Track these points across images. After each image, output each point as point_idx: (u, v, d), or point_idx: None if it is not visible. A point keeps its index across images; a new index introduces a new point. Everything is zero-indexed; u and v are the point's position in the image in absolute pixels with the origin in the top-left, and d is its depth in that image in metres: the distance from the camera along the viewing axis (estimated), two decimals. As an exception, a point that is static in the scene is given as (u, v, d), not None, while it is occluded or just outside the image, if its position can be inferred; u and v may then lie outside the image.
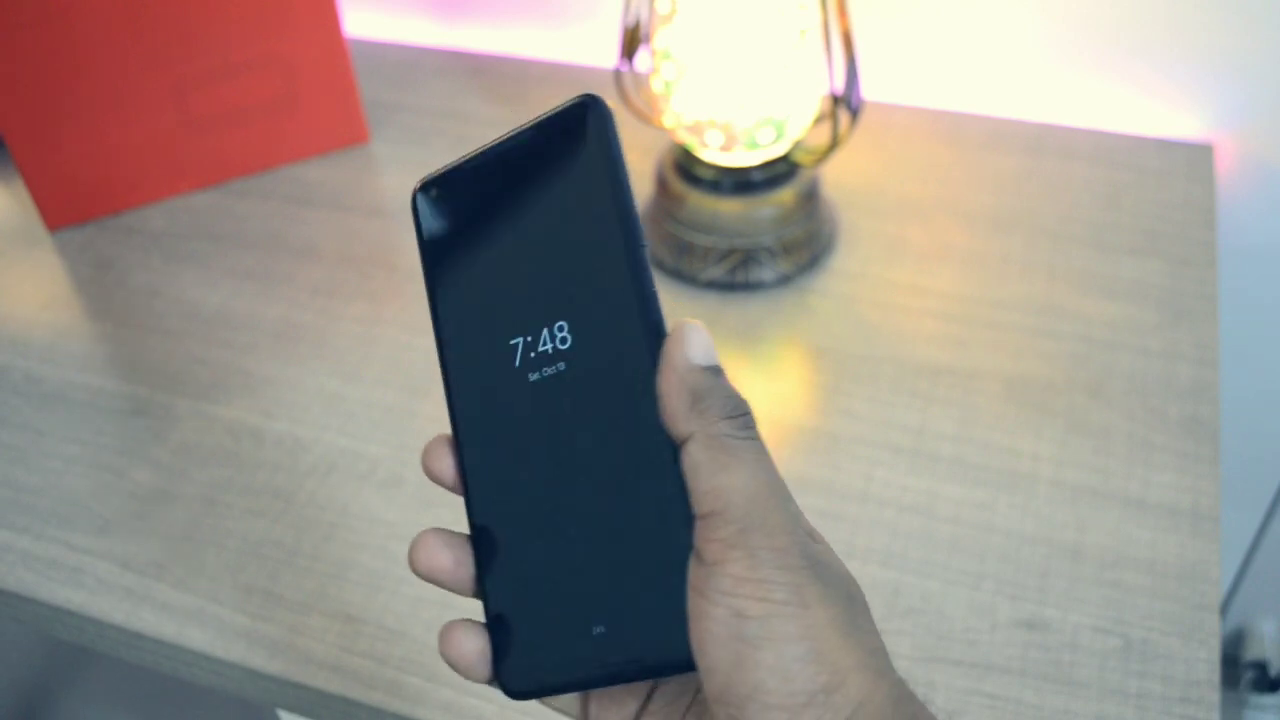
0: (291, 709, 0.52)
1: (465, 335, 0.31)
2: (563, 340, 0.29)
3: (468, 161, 0.32)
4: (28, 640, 1.23)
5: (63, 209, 0.77)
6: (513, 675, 0.29)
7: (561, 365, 0.29)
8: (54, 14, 0.69)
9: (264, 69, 0.77)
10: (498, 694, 0.49)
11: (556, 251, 0.30)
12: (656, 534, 0.28)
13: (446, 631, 0.29)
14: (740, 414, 0.27)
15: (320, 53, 0.78)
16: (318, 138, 0.81)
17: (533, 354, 0.30)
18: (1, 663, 1.20)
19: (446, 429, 0.60)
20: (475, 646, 0.29)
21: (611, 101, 0.81)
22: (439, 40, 0.93)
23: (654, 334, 0.28)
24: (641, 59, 0.67)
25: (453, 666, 0.30)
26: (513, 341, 0.30)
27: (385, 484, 0.58)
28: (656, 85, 0.65)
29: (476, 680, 0.30)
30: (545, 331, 0.30)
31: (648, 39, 0.65)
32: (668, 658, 0.27)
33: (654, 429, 0.28)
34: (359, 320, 0.68)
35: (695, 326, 0.27)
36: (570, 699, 0.30)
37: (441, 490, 0.57)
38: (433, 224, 0.32)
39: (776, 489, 0.26)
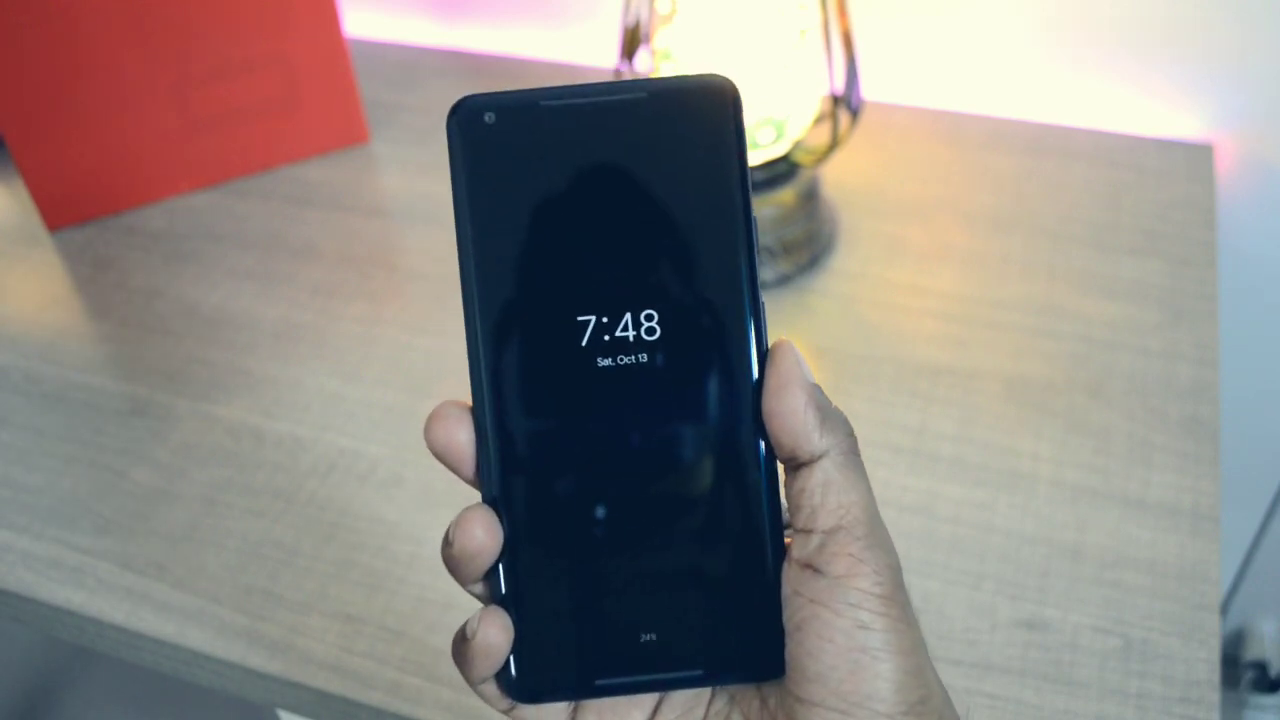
0: (291, 709, 0.52)
1: (517, 300, 0.27)
2: (649, 330, 0.27)
3: (548, 96, 0.27)
4: (28, 640, 1.23)
5: (63, 209, 0.77)
6: (530, 675, 0.28)
7: (643, 356, 0.27)
8: (54, 14, 0.69)
9: (264, 69, 0.77)
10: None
11: (659, 234, 0.27)
12: (739, 544, 0.27)
13: (486, 616, 0.28)
14: (854, 433, 0.28)
15: (320, 53, 0.78)
16: (318, 138, 0.81)
17: (606, 337, 0.27)
18: (2, 663, 1.20)
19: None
20: (504, 641, 0.28)
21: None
22: (439, 40, 0.93)
23: (760, 344, 0.27)
24: (641, 59, 0.67)
25: (472, 654, 0.28)
26: (582, 318, 0.27)
27: (385, 484, 0.58)
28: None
29: (477, 678, 0.28)
30: (628, 316, 0.27)
31: (648, 39, 0.65)
32: (754, 668, 0.27)
33: (745, 441, 0.27)
34: (359, 320, 0.68)
35: (794, 345, 0.28)
36: (560, 710, 0.29)
37: (442, 491, 0.57)
38: (485, 155, 0.27)
39: (877, 510, 0.28)
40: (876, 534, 0.27)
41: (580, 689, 0.28)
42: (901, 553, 0.53)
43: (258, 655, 0.51)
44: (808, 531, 0.27)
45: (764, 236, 0.66)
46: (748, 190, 0.27)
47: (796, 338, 0.64)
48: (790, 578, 0.27)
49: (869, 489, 0.27)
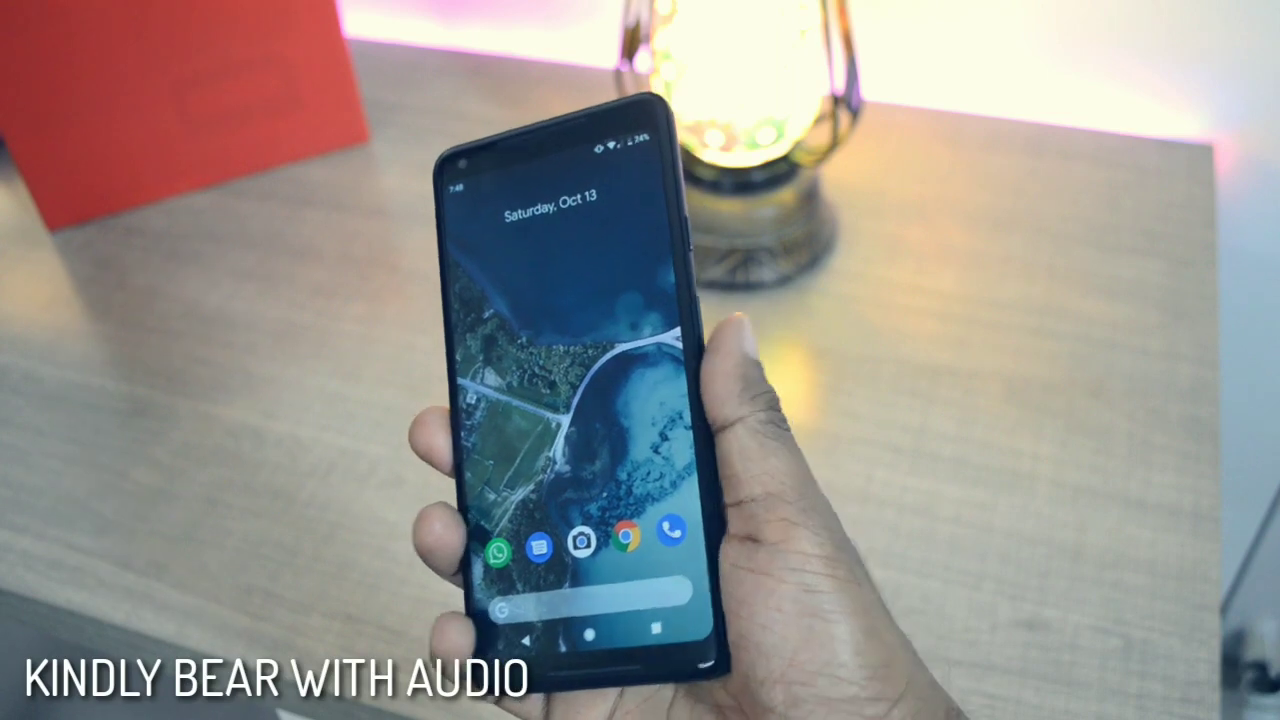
0: (291, 709, 0.52)
1: (482, 314, 0.31)
2: (594, 329, 0.29)
3: (503, 139, 0.31)
4: (28, 640, 1.22)
5: (63, 209, 0.77)
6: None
7: (590, 351, 0.29)
8: (54, 14, 0.69)
9: (264, 69, 0.77)
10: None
11: (600, 240, 0.29)
12: (683, 542, 0.27)
13: (440, 626, 0.29)
14: (779, 409, 0.28)
15: (320, 53, 0.78)
16: (318, 138, 0.81)
17: (557, 345, 0.29)
18: (2, 663, 1.20)
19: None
20: (466, 642, 0.29)
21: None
22: (439, 40, 0.93)
23: (693, 334, 0.28)
24: (641, 59, 0.67)
25: (443, 659, 0.29)
26: (533, 325, 0.30)
27: (385, 484, 0.58)
28: (656, 85, 0.65)
29: (449, 675, 0.29)
30: (577, 318, 0.29)
31: (648, 39, 0.65)
32: (696, 666, 0.27)
33: (682, 431, 0.28)
34: (359, 320, 0.68)
35: (746, 321, 0.28)
36: (535, 701, 0.30)
37: (443, 491, 0.57)
38: (456, 197, 0.31)
39: (812, 477, 0.27)
40: (809, 498, 0.26)
41: (533, 683, 0.28)
42: (901, 553, 0.53)
43: (258, 655, 0.51)
44: (739, 504, 0.27)
45: (764, 236, 0.66)
46: (680, 194, 0.29)
47: (797, 338, 0.64)
48: (729, 554, 0.27)
49: (798, 458, 0.27)
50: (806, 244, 0.68)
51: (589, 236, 0.29)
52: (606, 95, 0.82)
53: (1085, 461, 0.57)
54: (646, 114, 0.29)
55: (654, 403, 0.28)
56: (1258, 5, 0.70)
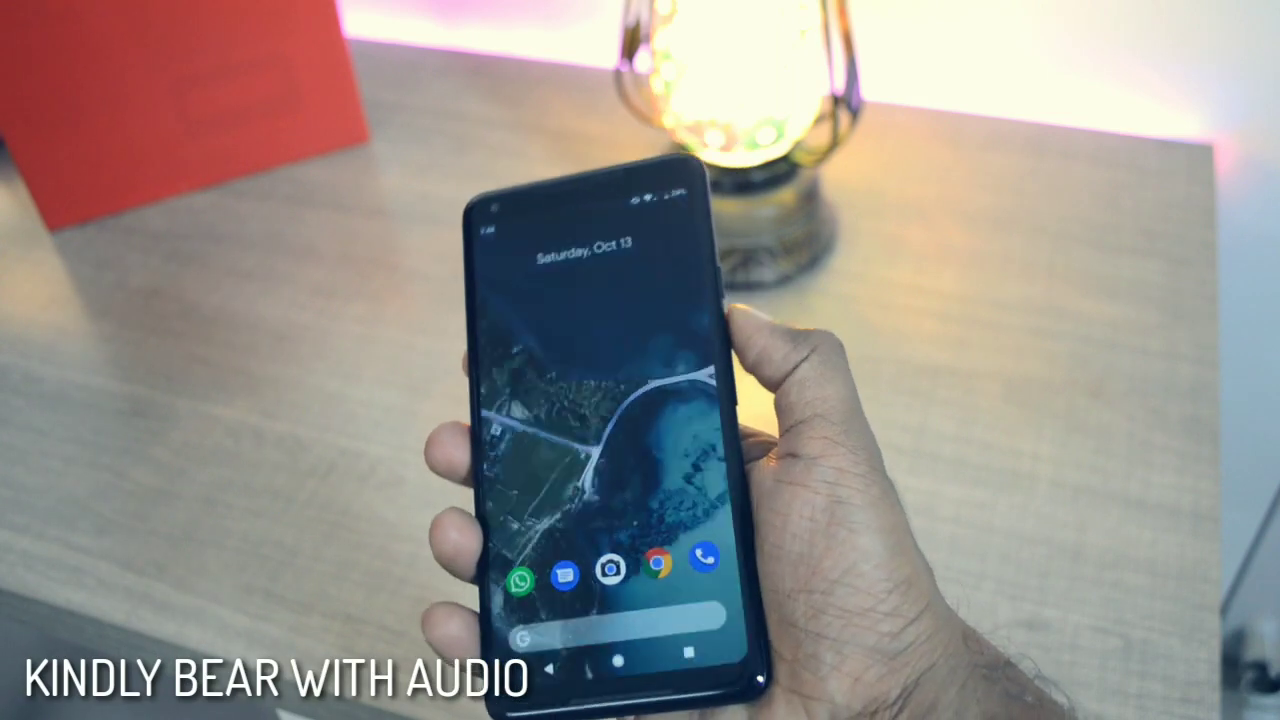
0: (292, 709, 0.52)
1: (510, 350, 0.31)
2: (626, 366, 0.30)
3: (537, 187, 0.33)
4: (28, 640, 1.22)
5: (63, 209, 0.77)
6: (504, 697, 0.28)
7: (622, 386, 0.30)
8: (54, 14, 0.69)
9: (264, 69, 0.77)
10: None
11: (634, 284, 0.31)
12: (718, 565, 0.27)
13: (430, 614, 0.29)
14: (836, 340, 0.29)
15: (320, 53, 0.78)
16: (318, 138, 0.81)
17: (591, 383, 0.30)
18: (2, 663, 1.20)
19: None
20: (462, 631, 0.29)
21: (611, 102, 0.81)
22: (439, 40, 0.93)
23: (726, 372, 0.29)
24: (641, 59, 0.67)
25: (440, 651, 0.29)
26: (563, 362, 0.31)
27: (385, 484, 0.58)
28: (656, 85, 0.65)
29: (460, 665, 0.29)
30: (609, 356, 0.30)
31: (648, 39, 0.65)
32: (732, 690, 0.27)
33: (718, 456, 0.28)
34: (359, 320, 0.68)
35: (741, 306, 0.30)
36: None
37: (443, 491, 0.57)
38: (488, 239, 0.33)
39: (861, 410, 0.28)
40: (855, 423, 0.28)
41: (561, 710, 0.28)
42: (901, 553, 0.53)
43: (258, 655, 0.51)
44: (788, 429, 0.28)
45: (764, 236, 0.66)
46: (714, 245, 0.31)
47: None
48: (770, 471, 0.28)
49: (850, 388, 0.28)
50: (806, 244, 0.68)
51: (623, 280, 0.31)
52: (607, 95, 0.82)
53: (1085, 461, 0.57)
54: (685, 172, 0.31)
55: (687, 435, 0.29)
56: (1258, 5, 0.70)
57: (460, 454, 0.30)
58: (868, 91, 0.82)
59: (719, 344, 0.29)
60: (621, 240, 0.31)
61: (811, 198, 0.69)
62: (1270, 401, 0.85)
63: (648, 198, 0.31)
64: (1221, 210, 0.78)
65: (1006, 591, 0.51)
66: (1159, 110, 0.77)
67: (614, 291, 0.31)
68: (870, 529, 0.26)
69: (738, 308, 0.30)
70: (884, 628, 0.25)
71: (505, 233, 0.32)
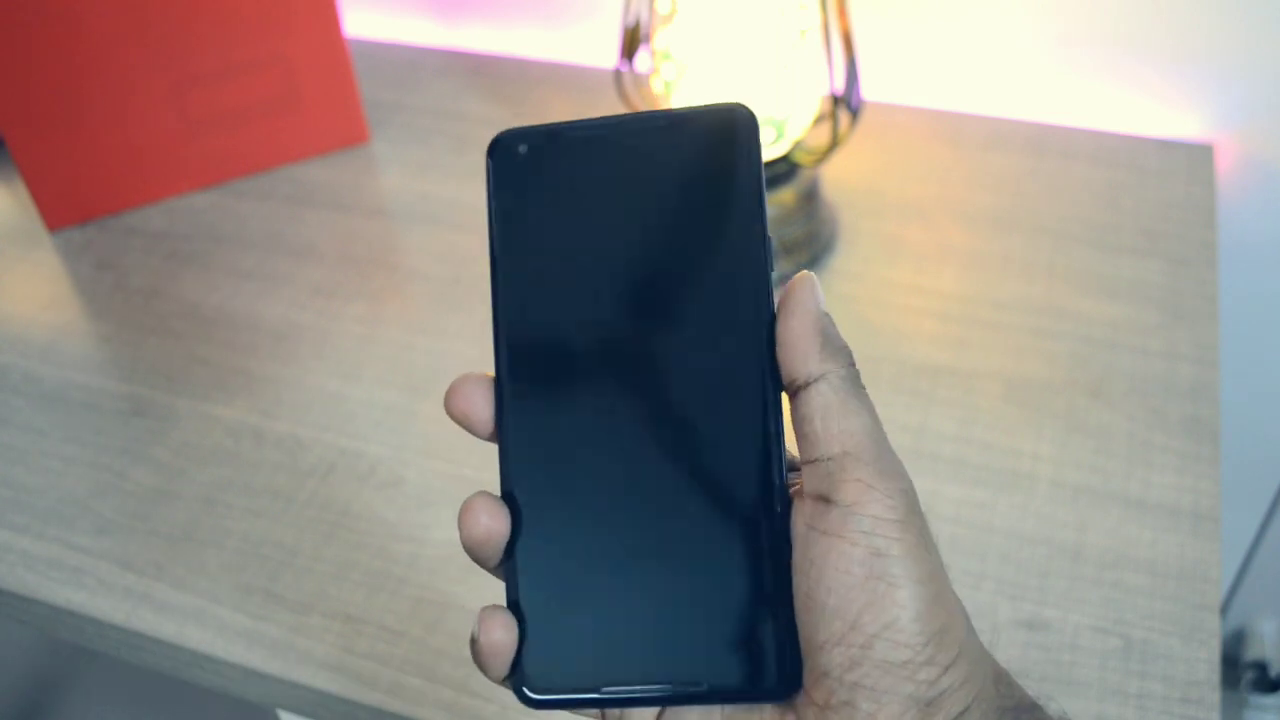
0: (291, 709, 0.52)
1: (537, 293, 0.29)
2: (663, 328, 0.28)
3: (571, 128, 0.29)
4: (29, 640, 1.23)
5: (63, 209, 0.77)
6: (536, 680, 0.28)
7: (658, 356, 0.28)
8: (54, 14, 0.69)
9: (264, 69, 0.77)
10: (497, 693, 0.49)
11: (675, 242, 0.28)
12: (755, 556, 0.27)
13: (485, 617, 0.28)
14: (855, 365, 0.28)
15: (320, 53, 0.78)
16: (318, 138, 0.81)
17: (623, 335, 0.28)
18: (2, 663, 1.20)
19: (447, 427, 0.60)
20: (508, 639, 0.28)
21: (611, 102, 0.81)
22: (439, 40, 0.93)
23: (766, 325, 0.28)
24: (641, 59, 0.67)
25: (481, 657, 0.28)
26: (596, 306, 0.28)
27: (385, 484, 0.58)
28: (656, 85, 0.65)
29: (495, 677, 0.28)
30: (643, 316, 0.28)
31: (648, 39, 0.65)
32: (765, 687, 0.26)
33: (762, 451, 0.27)
34: (359, 320, 0.68)
35: (816, 278, 0.28)
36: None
37: (443, 491, 0.57)
38: (514, 179, 0.29)
39: (886, 439, 0.27)
40: (885, 459, 0.26)
41: (587, 696, 0.28)
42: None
43: (258, 655, 0.51)
44: (814, 462, 0.27)
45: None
46: (763, 207, 0.28)
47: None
48: (803, 513, 0.27)
49: (874, 417, 0.27)
50: (806, 244, 0.68)
51: (657, 242, 0.28)
52: (607, 95, 0.82)
53: (1085, 461, 0.57)
54: (732, 122, 0.29)
55: (737, 420, 0.28)
56: (1258, 5, 0.70)
57: (480, 402, 0.29)
58: (868, 91, 0.82)
59: (766, 332, 0.28)
60: (659, 194, 0.28)
61: (811, 198, 0.69)
62: (1270, 401, 0.85)
63: (690, 149, 0.28)
64: (1221, 210, 0.78)
65: (1006, 591, 0.51)
66: (1159, 110, 0.77)
67: (648, 251, 0.28)
68: (909, 580, 0.25)
69: (804, 275, 0.28)
70: (921, 676, 0.25)
71: (532, 173, 0.29)
